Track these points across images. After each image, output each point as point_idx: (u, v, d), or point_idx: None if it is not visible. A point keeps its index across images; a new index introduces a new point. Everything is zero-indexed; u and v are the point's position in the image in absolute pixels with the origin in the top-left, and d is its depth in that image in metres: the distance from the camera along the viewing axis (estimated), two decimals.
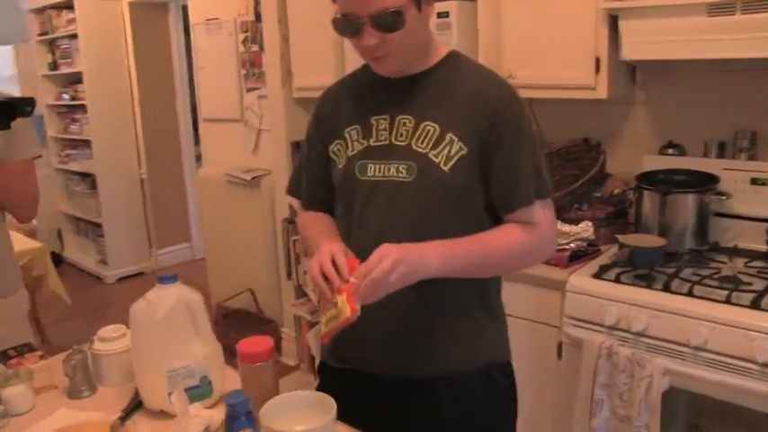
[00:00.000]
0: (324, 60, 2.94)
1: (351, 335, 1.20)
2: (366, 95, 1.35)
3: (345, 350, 1.37)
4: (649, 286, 1.89)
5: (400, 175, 1.26)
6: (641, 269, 1.97)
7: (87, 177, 5.42)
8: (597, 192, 2.36)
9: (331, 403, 1.17)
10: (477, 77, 1.29)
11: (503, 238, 1.27)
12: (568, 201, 2.29)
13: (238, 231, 4.09)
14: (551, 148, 2.51)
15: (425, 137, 1.25)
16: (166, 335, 1.29)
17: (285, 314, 3.78)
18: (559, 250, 2.09)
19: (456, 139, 1.23)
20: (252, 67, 3.97)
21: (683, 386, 1.78)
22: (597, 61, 2.13)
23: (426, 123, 1.25)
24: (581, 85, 2.18)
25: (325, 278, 1.17)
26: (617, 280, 1.95)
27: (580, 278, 1.99)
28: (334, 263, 1.17)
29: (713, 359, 1.72)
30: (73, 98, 5.29)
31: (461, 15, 2.33)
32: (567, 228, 2.18)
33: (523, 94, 2.23)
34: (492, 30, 2.33)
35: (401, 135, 1.27)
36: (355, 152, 1.31)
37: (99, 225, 5.37)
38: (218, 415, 1.27)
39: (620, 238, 2.08)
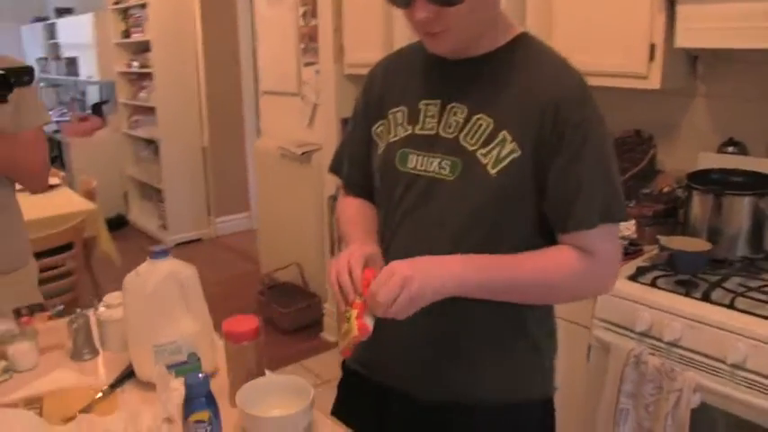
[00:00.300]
0: (374, 36, 2.87)
1: (374, 341, 1.12)
2: (419, 75, 1.19)
3: (365, 354, 1.25)
4: (688, 294, 1.75)
5: (442, 171, 1.10)
6: (682, 275, 1.83)
7: (152, 144, 5.56)
8: (646, 188, 2.21)
9: (308, 389, 1.14)
10: (545, 66, 1.09)
11: (548, 263, 1.07)
12: None
13: (290, 205, 4.10)
14: None
15: (476, 132, 1.08)
16: (154, 309, 1.27)
17: (329, 290, 3.77)
18: None
19: (509, 139, 1.06)
20: (310, 42, 3.92)
21: (716, 404, 1.65)
22: (652, 48, 1.98)
23: (480, 116, 1.08)
24: (632, 73, 2.02)
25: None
26: (653, 284, 1.82)
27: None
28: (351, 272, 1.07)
29: (752, 379, 1.58)
30: (142, 66, 5.41)
31: None
32: None
33: None
34: (542, 11, 2.20)
35: (450, 126, 1.11)
36: (397, 138, 1.17)
37: (160, 191, 5.51)
38: None
39: (662, 239, 1.94)
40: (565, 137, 1.04)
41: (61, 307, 1.49)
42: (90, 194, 3.94)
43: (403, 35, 2.65)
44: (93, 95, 6.93)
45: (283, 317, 3.78)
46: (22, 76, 1.61)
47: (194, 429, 1.00)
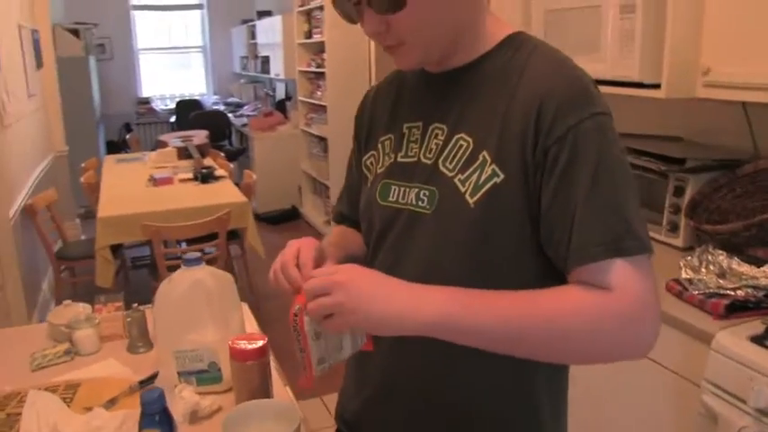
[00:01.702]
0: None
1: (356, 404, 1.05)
2: (407, 96, 1.05)
3: (347, 415, 1.14)
4: None
5: (420, 203, 0.95)
6: None
7: (322, 141, 5.78)
8: None
9: (296, 415, 1.07)
10: (533, 69, 0.90)
11: (551, 301, 0.84)
12: (752, 235, 1.81)
13: None
14: (740, 171, 2.01)
15: (456, 154, 0.93)
16: (179, 315, 1.28)
17: None
18: (719, 295, 1.66)
19: (489, 160, 0.88)
20: None
21: None
22: None
23: (460, 135, 0.93)
24: None
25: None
26: None
27: (732, 338, 1.55)
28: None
29: None
30: (318, 66, 5.64)
31: None
32: (741, 267, 1.73)
33: (722, 95, 1.86)
34: (688, 13, 1.90)
35: (430, 150, 0.96)
36: (382, 169, 1.03)
37: (328, 187, 5.71)
38: (211, 402, 1.24)
39: None
40: (549, 153, 0.85)
41: (135, 304, 1.56)
42: (248, 188, 4.18)
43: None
44: (280, 92, 7.39)
45: None
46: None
47: None
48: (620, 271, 0.82)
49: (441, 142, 0.95)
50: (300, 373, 0.89)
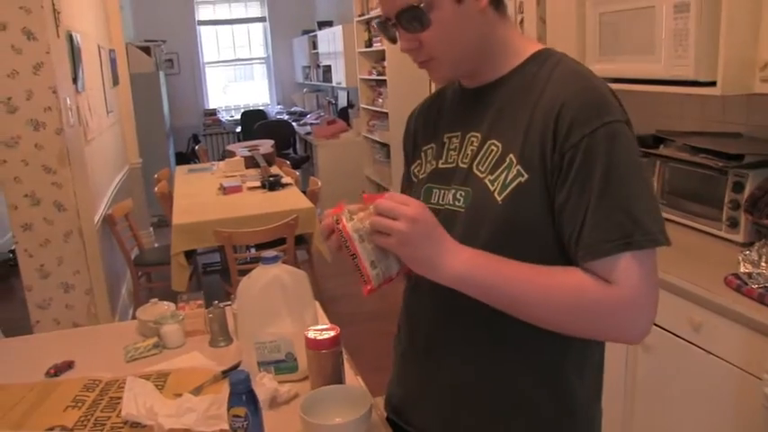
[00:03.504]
0: (569, 49, 2.74)
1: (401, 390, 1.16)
2: (447, 109, 1.17)
3: (394, 401, 1.26)
4: None
5: (456, 203, 1.06)
6: None
7: (384, 147, 5.90)
8: None
9: (367, 399, 1.17)
10: (558, 83, 0.99)
11: (556, 277, 0.95)
12: None
13: None
14: None
15: (487, 158, 1.03)
16: (259, 309, 1.39)
17: None
18: None
19: (515, 162, 0.98)
20: None
21: None
22: None
23: (492, 141, 1.03)
24: None
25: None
26: None
27: None
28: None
29: None
30: (379, 73, 5.77)
31: None
32: None
33: None
34: (743, 9, 1.91)
35: (466, 156, 1.07)
36: (425, 175, 1.15)
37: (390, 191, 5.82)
38: (289, 389, 1.35)
39: None
40: (567, 157, 0.94)
41: (216, 302, 1.69)
42: (314, 195, 4.33)
43: (594, 44, 2.49)
44: (342, 100, 7.56)
45: None
46: None
47: (232, 422, 1.08)
48: (624, 265, 0.91)
49: (475, 148, 1.06)
50: (360, 283, 0.98)
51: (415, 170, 1.19)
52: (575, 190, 0.94)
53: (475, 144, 1.06)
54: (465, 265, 0.95)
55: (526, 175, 0.97)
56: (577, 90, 0.96)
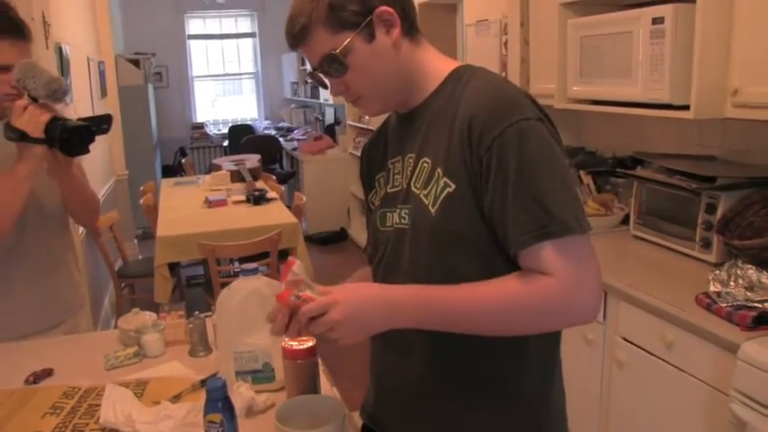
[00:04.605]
0: (552, 69, 2.80)
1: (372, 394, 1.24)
2: (390, 138, 1.24)
3: (369, 408, 1.33)
4: None
5: (402, 221, 1.13)
6: None
7: None
8: None
9: (341, 409, 1.19)
10: (471, 96, 1.06)
11: (494, 288, 1.02)
12: None
13: None
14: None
15: (421, 175, 1.10)
16: (237, 320, 1.42)
17: None
18: (747, 308, 1.73)
19: (441, 174, 1.06)
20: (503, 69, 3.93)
21: None
22: None
23: (424, 159, 1.11)
24: None
25: None
26: None
27: (759, 348, 1.61)
28: None
29: None
30: None
31: (680, 21, 2.03)
32: None
33: (750, 115, 1.93)
34: (715, 36, 1.97)
35: (406, 176, 1.15)
36: (379, 201, 1.23)
37: None
38: (266, 398, 1.37)
39: None
40: (483, 162, 1.01)
41: (197, 312, 1.71)
42: (298, 210, 4.35)
43: (575, 66, 2.56)
44: (329, 117, 7.61)
45: None
46: (102, 123, 1.67)
47: (208, 428, 1.10)
48: (551, 255, 0.98)
49: (411, 167, 1.14)
50: None
51: (372, 198, 1.27)
52: (496, 191, 1.01)
53: (411, 164, 1.14)
54: (416, 317, 1.03)
55: (453, 186, 1.05)
56: (486, 97, 1.05)
